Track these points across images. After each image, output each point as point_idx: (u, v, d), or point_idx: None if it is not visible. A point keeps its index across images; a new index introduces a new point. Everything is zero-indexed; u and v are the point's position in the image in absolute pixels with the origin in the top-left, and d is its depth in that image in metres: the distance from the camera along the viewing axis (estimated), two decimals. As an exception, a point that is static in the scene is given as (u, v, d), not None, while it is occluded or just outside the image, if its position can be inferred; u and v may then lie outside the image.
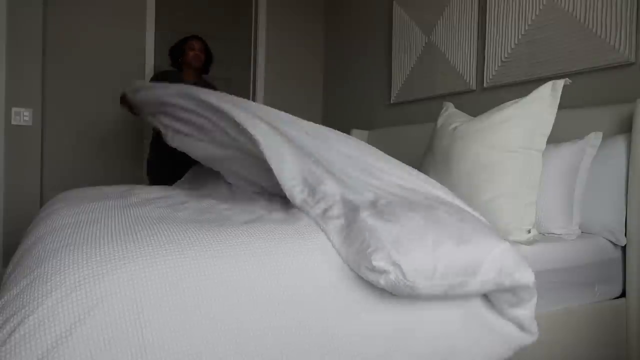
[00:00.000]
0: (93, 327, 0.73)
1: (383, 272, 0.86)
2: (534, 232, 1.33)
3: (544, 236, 1.43)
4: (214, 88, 2.95)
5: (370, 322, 0.93)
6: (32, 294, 0.75)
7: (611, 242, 1.47)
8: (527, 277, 0.94)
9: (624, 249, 1.48)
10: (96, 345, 0.72)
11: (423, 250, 0.89)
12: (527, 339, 1.03)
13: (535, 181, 1.35)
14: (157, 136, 2.86)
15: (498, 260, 0.93)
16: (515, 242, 1.30)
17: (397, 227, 0.93)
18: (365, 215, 0.98)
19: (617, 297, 1.47)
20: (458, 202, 1.16)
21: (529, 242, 1.30)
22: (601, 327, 1.39)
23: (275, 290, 0.87)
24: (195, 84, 2.84)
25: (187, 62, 2.77)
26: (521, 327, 1.02)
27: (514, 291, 0.97)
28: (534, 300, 0.99)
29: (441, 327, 0.98)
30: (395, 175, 1.22)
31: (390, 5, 3.09)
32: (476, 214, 1.12)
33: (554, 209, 1.47)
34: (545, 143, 1.38)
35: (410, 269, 0.86)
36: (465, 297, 1.00)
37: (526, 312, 1.00)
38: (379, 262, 0.86)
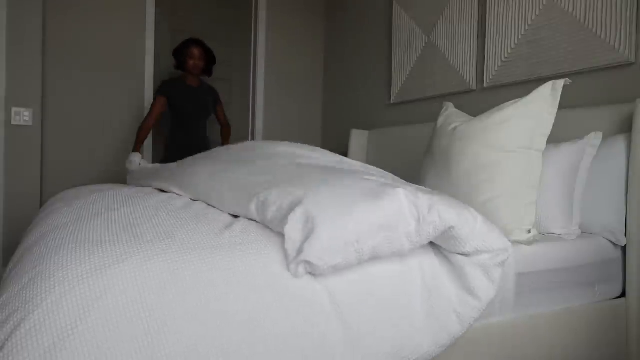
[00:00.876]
0: (98, 319, 0.73)
1: (300, 272, 0.89)
2: (534, 232, 1.33)
3: (544, 236, 1.43)
4: (214, 92, 3.06)
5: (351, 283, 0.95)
6: (35, 290, 0.76)
7: (611, 242, 1.47)
8: (449, 219, 0.93)
9: (624, 249, 1.48)
10: (102, 337, 0.72)
11: (331, 227, 0.88)
12: (501, 255, 0.99)
13: (535, 181, 1.35)
14: (171, 137, 2.92)
15: (414, 208, 0.93)
16: (515, 242, 1.30)
17: (304, 209, 0.93)
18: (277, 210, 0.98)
19: (617, 297, 1.47)
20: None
21: (529, 242, 1.30)
22: (601, 327, 1.39)
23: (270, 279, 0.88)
24: (199, 88, 2.99)
25: (188, 70, 2.91)
26: (491, 249, 0.99)
27: (450, 235, 0.96)
28: (479, 235, 0.96)
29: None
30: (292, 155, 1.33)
31: (390, 5, 3.10)
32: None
33: (554, 209, 1.47)
34: (545, 143, 1.38)
35: (315, 258, 0.86)
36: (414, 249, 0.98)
37: (475, 244, 0.97)
38: (295, 270, 0.89)
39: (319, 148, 1.49)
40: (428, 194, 0.97)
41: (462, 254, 1.00)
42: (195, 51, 2.88)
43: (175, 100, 2.89)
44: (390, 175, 1.21)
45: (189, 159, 1.79)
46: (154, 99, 2.86)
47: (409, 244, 0.94)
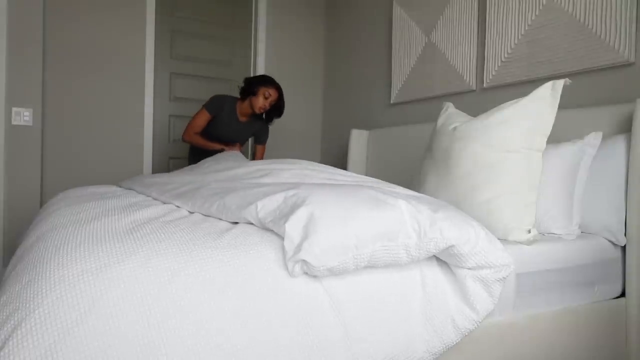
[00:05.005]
0: (98, 317, 0.73)
1: (296, 271, 0.90)
2: (534, 232, 1.33)
3: (544, 236, 1.43)
4: (261, 131, 2.83)
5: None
6: (35, 289, 0.76)
7: (611, 242, 1.47)
8: (450, 236, 0.94)
9: (623, 249, 1.48)
10: (103, 336, 0.72)
11: (331, 229, 0.89)
12: (503, 271, 1.01)
13: (535, 181, 1.35)
14: (192, 152, 2.86)
15: (415, 222, 0.95)
16: (515, 242, 1.30)
17: (307, 210, 0.94)
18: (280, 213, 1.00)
19: (617, 297, 1.47)
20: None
21: (529, 242, 1.30)
22: (601, 327, 1.39)
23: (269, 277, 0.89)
24: (245, 123, 2.75)
25: (252, 105, 2.61)
26: (491, 266, 1.01)
27: (451, 252, 0.98)
28: (480, 252, 0.98)
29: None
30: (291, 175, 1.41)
31: (390, 5, 3.10)
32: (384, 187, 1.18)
33: (554, 209, 1.47)
34: (545, 143, 1.37)
35: (313, 258, 0.87)
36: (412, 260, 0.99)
37: (476, 260, 0.98)
38: (291, 269, 0.89)
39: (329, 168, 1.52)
40: (431, 210, 0.98)
41: (464, 268, 1.01)
42: (274, 94, 2.60)
43: (216, 122, 2.66)
44: (399, 188, 1.23)
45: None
46: (201, 109, 2.63)
47: (407, 256, 0.95)
